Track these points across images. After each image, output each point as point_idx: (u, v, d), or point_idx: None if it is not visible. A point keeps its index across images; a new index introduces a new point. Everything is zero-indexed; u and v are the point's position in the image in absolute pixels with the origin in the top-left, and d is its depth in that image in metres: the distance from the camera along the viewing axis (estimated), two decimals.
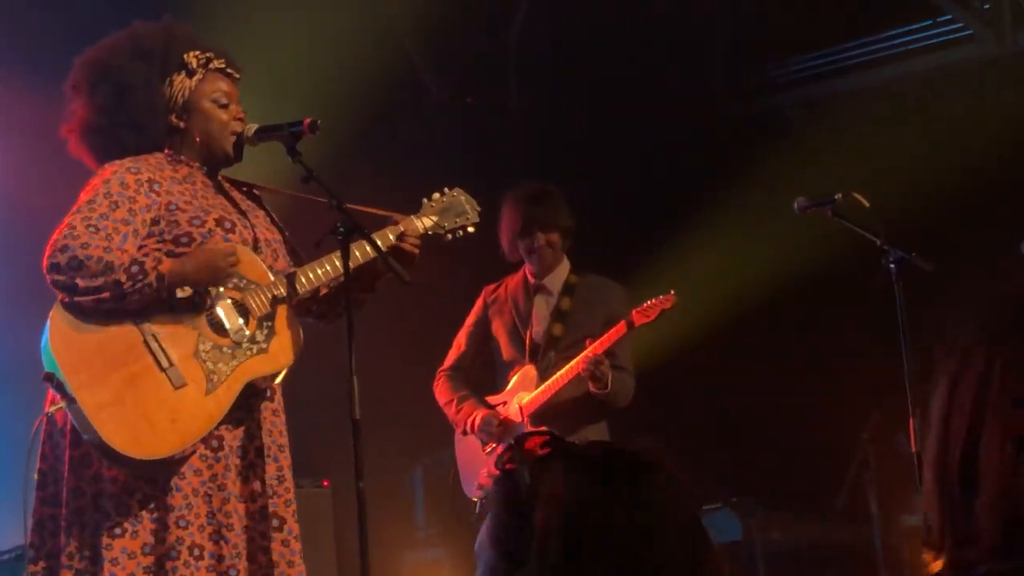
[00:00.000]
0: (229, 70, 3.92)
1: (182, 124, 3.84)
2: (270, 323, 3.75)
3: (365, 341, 3.77)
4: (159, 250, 3.66)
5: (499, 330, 5.46)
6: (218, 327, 3.67)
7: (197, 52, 3.86)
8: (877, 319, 5.29)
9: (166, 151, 3.85)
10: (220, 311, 3.67)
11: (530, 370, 5.31)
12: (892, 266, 4.82)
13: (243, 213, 3.88)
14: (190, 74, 3.84)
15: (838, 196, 5.00)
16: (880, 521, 6.36)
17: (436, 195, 4.21)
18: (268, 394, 3.80)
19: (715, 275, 5.61)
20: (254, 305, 3.72)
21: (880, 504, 6.35)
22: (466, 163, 7.54)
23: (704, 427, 7.28)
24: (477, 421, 5.30)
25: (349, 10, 6.78)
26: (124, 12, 4.01)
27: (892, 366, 4.81)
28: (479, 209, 4.27)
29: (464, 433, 5.38)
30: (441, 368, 5.56)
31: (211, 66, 3.87)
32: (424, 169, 7.13)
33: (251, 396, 3.73)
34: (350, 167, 5.85)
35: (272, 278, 3.77)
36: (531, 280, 5.43)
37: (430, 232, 4.12)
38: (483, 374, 5.57)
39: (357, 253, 3.84)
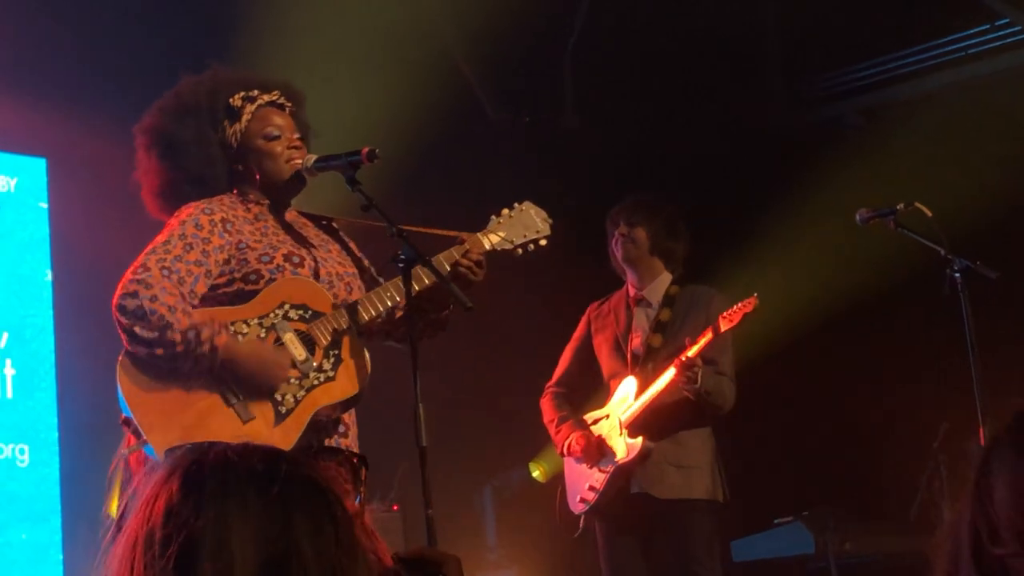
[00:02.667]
0: (280, 101, 3.95)
1: (241, 167, 3.89)
2: (336, 352, 3.75)
3: (433, 358, 3.76)
4: (226, 294, 3.70)
5: (601, 344, 5.46)
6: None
7: (241, 93, 3.90)
8: (944, 328, 5.24)
9: (235, 192, 3.90)
10: (286, 343, 3.69)
11: (630, 382, 5.29)
12: (957, 275, 4.78)
13: (314, 247, 3.89)
14: (238, 117, 3.89)
15: (900, 206, 4.97)
16: None
17: (505, 211, 4.15)
18: (342, 429, 3.80)
19: (777, 288, 5.59)
20: (319, 335, 3.73)
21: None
22: (527, 183, 7.56)
23: (773, 440, 7.24)
24: (572, 444, 5.32)
25: (405, 37, 6.83)
26: (200, 60, 4.03)
27: (960, 375, 4.76)
28: (550, 222, 4.18)
29: (562, 454, 5.43)
30: (548, 384, 5.58)
31: (258, 102, 3.91)
32: (485, 192, 7.17)
33: (319, 430, 3.73)
34: (411, 193, 5.88)
35: (335, 308, 3.78)
36: (631, 292, 5.44)
37: (497, 248, 4.04)
38: (590, 388, 5.57)
39: (422, 275, 3.79)
